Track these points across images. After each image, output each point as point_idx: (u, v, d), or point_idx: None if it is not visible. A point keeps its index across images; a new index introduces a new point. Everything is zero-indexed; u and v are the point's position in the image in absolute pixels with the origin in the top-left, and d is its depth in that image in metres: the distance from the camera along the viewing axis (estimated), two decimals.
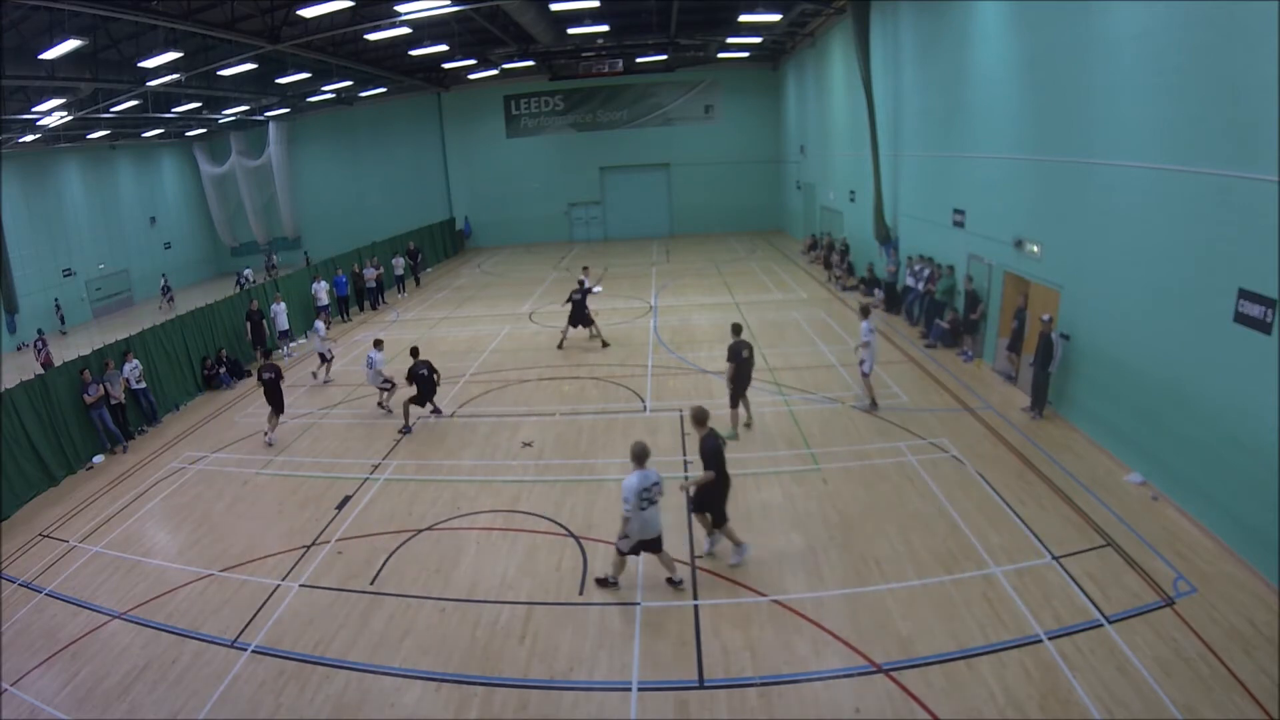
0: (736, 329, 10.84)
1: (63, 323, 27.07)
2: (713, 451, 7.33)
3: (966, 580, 7.13)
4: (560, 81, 32.30)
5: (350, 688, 6.34)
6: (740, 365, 10.44)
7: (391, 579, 7.92)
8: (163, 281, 30.27)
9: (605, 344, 16.02)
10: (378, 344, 13.00)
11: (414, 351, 12.44)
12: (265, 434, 12.35)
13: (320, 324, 15.65)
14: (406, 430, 12.03)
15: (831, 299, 19.30)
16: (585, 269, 18.65)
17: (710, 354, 14.80)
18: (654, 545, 7.13)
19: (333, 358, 15.60)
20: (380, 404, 13.20)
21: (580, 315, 15.84)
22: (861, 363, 11.36)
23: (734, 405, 10.72)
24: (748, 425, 11.02)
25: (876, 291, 18.43)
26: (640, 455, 6.93)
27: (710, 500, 7.58)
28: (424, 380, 12.06)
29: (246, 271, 31.28)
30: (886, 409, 11.48)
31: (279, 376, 12.50)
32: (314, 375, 15.60)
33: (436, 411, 12.61)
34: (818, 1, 20.28)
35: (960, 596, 6.88)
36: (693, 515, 8.05)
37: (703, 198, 33.64)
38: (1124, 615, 6.44)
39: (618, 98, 33.10)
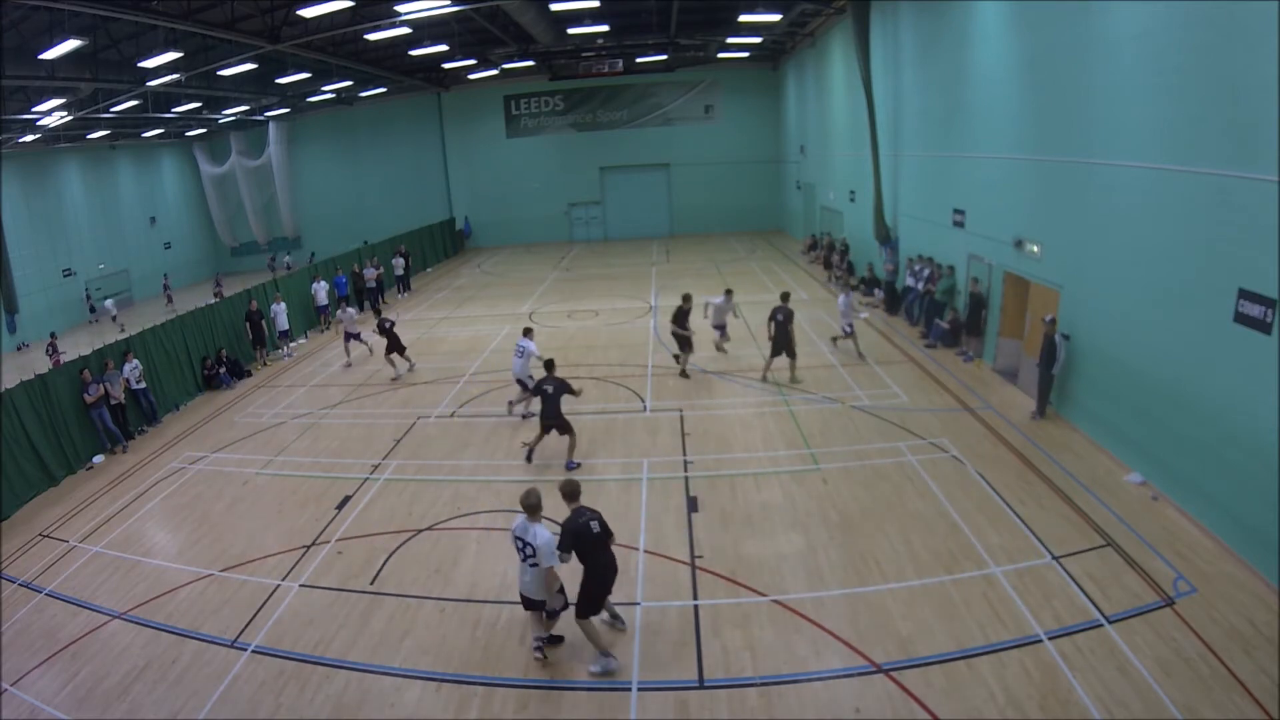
0: (784, 296, 13.16)
1: (92, 311, 27.15)
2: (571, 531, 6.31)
3: (966, 580, 7.13)
4: (560, 81, 32.28)
5: (350, 688, 6.34)
6: (778, 327, 12.67)
7: (391, 579, 7.92)
8: (164, 282, 30.73)
9: (685, 374, 13.68)
10: (527, 332, 11.83)
11: (549, 365, 10.43)
12: (409, 366, 15.44)
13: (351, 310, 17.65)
14: (529, 457, 10.44)
15: (832, 299, 19.23)
16: (728, 292, 14.93)
17: (710, 354, 14.80)
18: (527, 603, 6.32)
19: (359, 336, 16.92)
20: (511, 403, 12.12)
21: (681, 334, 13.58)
22: (847, 327, 14.60)
23: (774, 355, 12.91)
24: (794, 380, 12.96)
25: (876, 291, 18.44)
26: (527, 506, 6.25)
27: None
28: (547, 399, 10.01)
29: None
30: (886, 409, 11.49)
31: (393, 324, 15.49)
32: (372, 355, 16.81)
33: (529, 454, 10.48)
34: (818, 1, 20.28)
35: (960, 596, 6.88)
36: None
37: (703, 198, 33.63)
38: (1124, 615, 6.44)
39: (618, 98, 33.09)
